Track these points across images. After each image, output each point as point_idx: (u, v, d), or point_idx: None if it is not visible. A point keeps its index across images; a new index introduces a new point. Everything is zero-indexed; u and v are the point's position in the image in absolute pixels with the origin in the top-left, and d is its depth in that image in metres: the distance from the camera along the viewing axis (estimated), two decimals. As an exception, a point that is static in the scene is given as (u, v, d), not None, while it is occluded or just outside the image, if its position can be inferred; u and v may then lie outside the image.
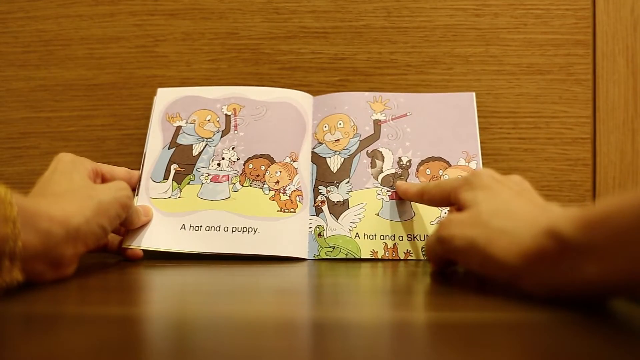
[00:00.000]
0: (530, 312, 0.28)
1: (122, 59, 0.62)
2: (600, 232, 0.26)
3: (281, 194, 0.51)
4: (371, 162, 0.53)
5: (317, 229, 0.50)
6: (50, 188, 0.40)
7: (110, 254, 0.50)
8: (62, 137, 0.62)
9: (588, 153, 0.59)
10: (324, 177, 0.53)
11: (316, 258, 0.49)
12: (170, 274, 0.44)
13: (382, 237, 0.50)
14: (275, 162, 0.53)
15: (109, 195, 0.41)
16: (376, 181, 0.52)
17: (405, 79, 0.60)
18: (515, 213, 0.33)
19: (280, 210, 0.50)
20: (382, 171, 0.53)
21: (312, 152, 0.54)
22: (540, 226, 0.29)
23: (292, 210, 0.51)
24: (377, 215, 0.51)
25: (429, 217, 0.51)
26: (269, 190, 0.51)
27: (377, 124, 0.55)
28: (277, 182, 0.52)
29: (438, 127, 0.54)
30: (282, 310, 0.30)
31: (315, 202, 0.51)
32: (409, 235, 0.50)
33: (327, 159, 0.53)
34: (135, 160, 0.58)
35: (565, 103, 0.59)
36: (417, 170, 0.53)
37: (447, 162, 0.53)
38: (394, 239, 0.50)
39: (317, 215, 0.51)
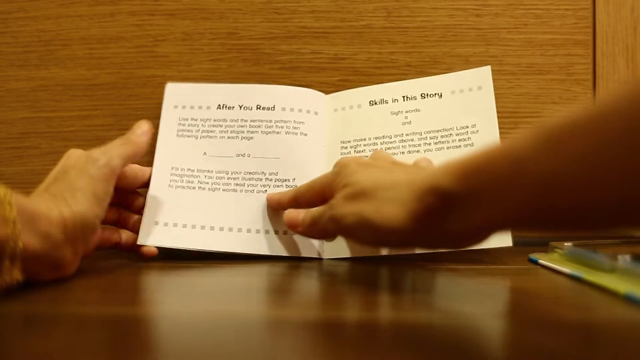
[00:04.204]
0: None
1: (122, 59, 0.62)
2: (477, 180, 0.27)
3: None
4: None
5: None
6: (52, 186, 0.40)
7: (120, 253, 0.50)
8: (62, 137, 0.62)
9: (588, 153, 0.59)
10: None
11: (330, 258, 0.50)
12: (171, 274, 0.44)
13: None
14: None
15: (93, 174, 0.40)
16: None
17: (405, 79, 0.60)
18: (395, 181, 0.34)
19: None
20: None
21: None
22: (422, 185, 0.30)
23: None
24: None
25: None
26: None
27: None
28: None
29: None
30: (282, 310, 0.30)
31: None
32: None
33: None
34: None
35: (565, 103, 0.59)
36: None
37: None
38: None
39: None
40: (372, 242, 0.34)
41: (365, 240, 0.35)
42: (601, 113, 0.23)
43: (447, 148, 0.52)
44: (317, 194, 0.43)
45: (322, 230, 0.40)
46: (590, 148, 0.22)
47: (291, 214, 0.45)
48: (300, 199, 0.46)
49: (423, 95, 0.55)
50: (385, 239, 0.33)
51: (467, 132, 0.52)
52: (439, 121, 0.53)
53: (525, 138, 0.25)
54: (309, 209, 0.43)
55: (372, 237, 0.34)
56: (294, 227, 0.44)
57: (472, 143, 0.51)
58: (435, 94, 0.54)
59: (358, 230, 0.35)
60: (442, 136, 0.52)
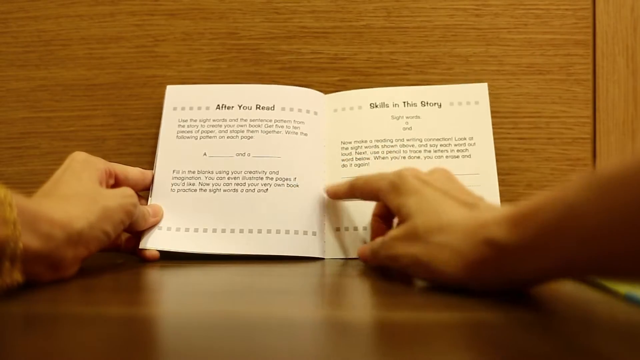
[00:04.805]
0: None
1: (122, 59, 0.62)
2: (529, 230, 0.28)
3: None
4: None
5: None
6: (58, 188, 0.40)
7: (120, 254, 0.50)
8: (62, 137, 0.62)
9: (588, 153, 0.59)
10: None
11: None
12: (171, 274, 0.44)
13: None
14: None
15: (114, 201, 0.41)
16: None
17: (405, 79, 0.60)
18: (448, 223, 0.34)
19: None
20: None
21: None
22: (477, 236, 0.31)
23: None
24: None
25: None
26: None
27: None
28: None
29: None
30: (282, 310, 0.30)
31: None
32: None
33: None
34: (135, 160, 0.58)
35: (565, 103, 0.59)
36: None
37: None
38: None
39: None
40: (429, 280, 0.36)
41: (422, 277, 0.36)
42: None
43: (446, 157, 0.53)
44: (370, 193, 0.44)
45: (382, 263, 0.41)
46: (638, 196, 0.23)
47: (360, 249, 0.46)
48: (356, 192, 0.47)
49: (423, 103, 0.56)
50: (440, 281, 0.34)
51: (465, 143, 0.54)
52: (438, 130, 0.54)
53: (577, 186, 0.26)
54: (372, 242, 0.43)
55: (428, 277, 0.35)
56: (363, 260, 0.45)
57: (470, 155, 0.53)
58: (435, 103, 0.56)
59: (413, 271, 0.36)
60: (441, 145, 0.53)
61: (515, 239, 0.28)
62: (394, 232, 0.38)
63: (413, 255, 0.35)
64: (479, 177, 0.52)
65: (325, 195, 0.52)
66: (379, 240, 0.40)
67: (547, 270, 0.28)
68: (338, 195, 0.50)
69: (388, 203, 0.41)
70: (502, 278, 0.31)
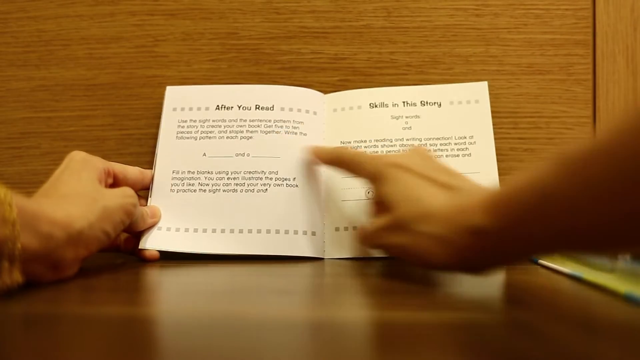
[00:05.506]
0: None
1: (122, 59, 0.62)
2: (509, 215, 0.30)
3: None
4: None
5: None
6: (57, 188, 0.40)
7: (120, 255, 0.50)
8: (62, 137, 0.62)
9: (588, 153, 0.59)
10: None
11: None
12: (171, 274, 0.44)
13: None
14: None
15: (114, 201, 0.41)
16: None
17: (405, 79, 0.60)
18: (430, 212, 0.36)
19: None
20: None
21: None
22: (459, 225, 0.33)
23: None
24: None
25: None
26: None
27: None
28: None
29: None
30: (282, 310, 0.30)
31: None
32: None
33: None
34: (134, 160, 0.58)
35: (565, 103, 0.59)
36: None
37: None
38: None
39: None
40: (418, 265, 0.37)
41: (413, 265, 0.38)
42: (611, 141, 0.25)
43: (446, 156, 0.53)
44: (352, 173, 0.47)
45: (375, 249, 0.44)
46: (603, 174, 0.25)
47: (355, 234, 0.49)
48: (340, 165, 0.48)
49: (423, 102, 0.56)
50: (428, 267, 0.37)
51: (465, 142, 0.54)
52: (438, 129, 0.54)
53: (548, 167, 0.28)
54: (360, 229, 0.45)
55: (418, 265, 0.37)
56: (360, 241, 0.47)
57: (470, 154, 0.53)
58: (434, 103, 0.56)
59: (404, 258, 0.38)
60: (441, 144, 0.53)
61: (495, 225, 0.30)
62: (380, 222, 0.40)
63: (401, 245, 0.37)
64: (479, 176, 0.52)
65: (324, 195, 0.52)
66: (367, 228, 0.42)
67: (531, 248, 0.30)
68: (321, 158, 0.51)
69: (372, 190, 0.44)
70: (488, 260, 0.33)
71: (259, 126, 0.54)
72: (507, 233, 0.30)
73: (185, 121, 0.55)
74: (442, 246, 0.34)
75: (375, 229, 0.40)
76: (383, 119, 0.55)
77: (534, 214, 0.28)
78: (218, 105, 0.55)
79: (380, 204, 0.44)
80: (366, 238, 0.43)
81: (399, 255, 0.39)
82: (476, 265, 0.34)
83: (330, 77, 0.61)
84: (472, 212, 0.32)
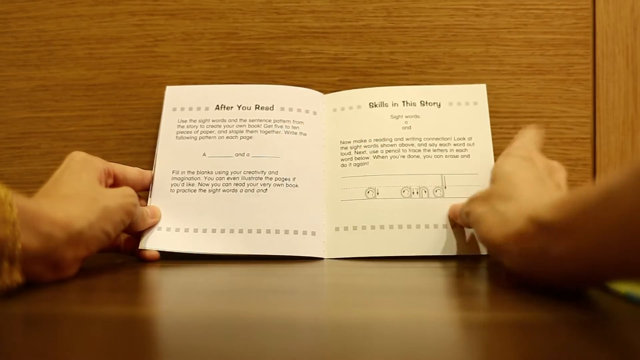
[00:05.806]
0: (535, 312, 0.28)
1: (122, 59, 0.62)
2: (569, 211, 0.29)
3: None
4: None
5: None
6: (58, 188, 0.40)
7: (120, 255, 0.50)
8: (62, 137, 0.62)
9: (588, 153, 0.59)
10: None
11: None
12: (171, 274, 0.44)
13: None
14: None
15: (115, 201, 0.41)
16: None
17: (405, 79, 0.60)
18: (515, 197, 0.37)
19: None
20: None
21: None
22: (525, 212, 0.33)
23: None
24: None
25: None
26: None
27: None
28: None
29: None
30: (282, 310, 0.30)
31: None
32: None
33: None
34: (134, 160, 0.58)
35: (565, 103, 0.59)
36: None
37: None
38: None
39: None
40: (481, 241, 0.38)
41: (479, 237, 0.39)
42: None
43: (446, 156, 0.53)
44: None
45: (462, 219, 0.46)
46: None
47: (452, 206, 0.51)
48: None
49: (422, 102, 0.56)
50: (485, 243, 0.37)
51: (463, 143, 0.54)
52: (437, 130, 0.55)
53: (619, 174, 0.27)
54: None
55: (480, 238, 0.38)
56: (451, 216, 0.50)
57: (469, 154, 0.53)
58: (434, 103, 0.56)
59: (474, 229, 0.40)
60: (440, 144, 0.54)
61: (555, 218, 0.30)
62: (478, 192, 0.41)
63: (478, 214, 0.39)
64: (477, 177, 0.52)
65: (324, 195, 0.52)
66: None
67: (572, 254, 0.29)
68: (456, 217, 0.50)
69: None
70: (530, 255, 0.32)
71: (258, 126, 0.54)
72: (563, 229, 0.29)
73: (185, 121, 0.55)
74: (500, 224, 0.35)
75: (472, 197, 0.42)
76: (383, 118, 0.55)
77: (595, 214, 0.27)
78: (218, 105, 0.55)
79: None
80: (463, 205, 0.44)
81: (472, 225, 0.40)
82: (517, 255, 0.33)
83: (330, 77, 0.61)
84: (541, 206, 0.32)
